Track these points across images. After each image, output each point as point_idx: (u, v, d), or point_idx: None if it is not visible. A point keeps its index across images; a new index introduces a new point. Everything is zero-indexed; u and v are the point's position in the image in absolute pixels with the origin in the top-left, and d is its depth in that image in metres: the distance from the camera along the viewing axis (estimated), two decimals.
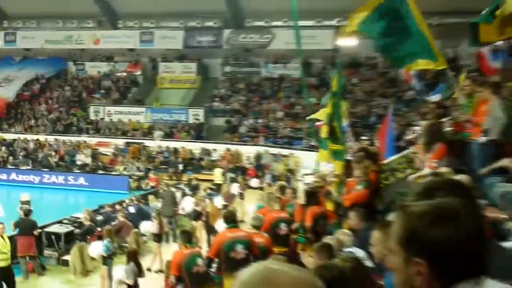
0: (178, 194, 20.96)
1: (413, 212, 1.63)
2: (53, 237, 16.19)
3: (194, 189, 23.88)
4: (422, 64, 8.42)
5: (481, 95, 7.84)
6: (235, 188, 22.46)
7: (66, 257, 15.58)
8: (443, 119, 10.37)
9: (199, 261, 8.70)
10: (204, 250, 12.38)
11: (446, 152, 7.29)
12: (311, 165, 19.24)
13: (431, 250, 1.55)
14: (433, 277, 1.56)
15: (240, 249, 8.11)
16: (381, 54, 8.69)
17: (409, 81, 14.78)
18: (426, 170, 7.10)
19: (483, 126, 7.30)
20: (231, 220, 8.63)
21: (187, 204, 19.98)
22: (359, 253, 5.08)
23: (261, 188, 25.33)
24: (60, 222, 17.74)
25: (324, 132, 11.77)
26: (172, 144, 33.13)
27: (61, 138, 34.78)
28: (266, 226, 9.33)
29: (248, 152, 30.97)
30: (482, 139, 7.22)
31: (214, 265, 8.29)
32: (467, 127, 8.26)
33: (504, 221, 4.66)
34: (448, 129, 9.33)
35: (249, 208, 17.83)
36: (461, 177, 5.29)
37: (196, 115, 35.47)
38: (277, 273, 1.30)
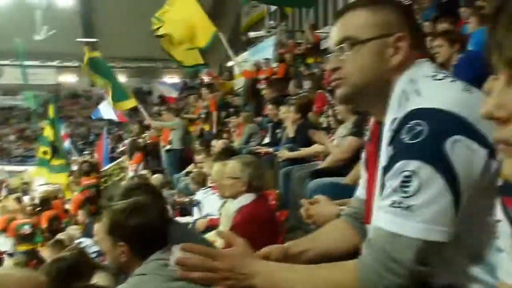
0: None
1: (115, 209, 1.65)
2: None
3: None
4: (124, 105, 8.38)
5: (167, 118, 8.23)
6: None
7: None
8: (143, 135, 10.60)
9: None
10: None
11: (144, 159, 7.49)
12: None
13: (130, 235, 1.59)
14: (134, 253, 1.60)
15: None
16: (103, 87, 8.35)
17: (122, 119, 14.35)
18: (131, 173, 7.18)
19: (169, 138, 7.70)
20: None
21: None
22: (87, 241, 4.86)
23: None
24: None
25: (40, 152, 10.60)
26: None
27: None
28: (11, 230, 8.22)
29: None
30: (168, 147, 7.61)
31: None
32: (160, 139, 8.58)
33: (187, 203, 4.98)
34: (148, 141, 9.59)
35: None
36: (157, 176, 5.53)
37: None
38: (5, 277, 1.20)
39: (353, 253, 1.00)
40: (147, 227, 1.59)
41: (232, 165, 2.66)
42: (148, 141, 9.59)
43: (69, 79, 26.67)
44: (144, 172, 6.51)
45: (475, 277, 0.94)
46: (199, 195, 4.47)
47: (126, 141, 11.75)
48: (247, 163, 2.63)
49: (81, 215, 6.73)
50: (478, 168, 0.88)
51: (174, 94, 15.31)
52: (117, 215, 1.62)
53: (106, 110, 12.83)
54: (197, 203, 4.38)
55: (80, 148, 20.72)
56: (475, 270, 0.94)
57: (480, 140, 0.87)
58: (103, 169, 10.31)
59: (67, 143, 13.07)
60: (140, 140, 9.97)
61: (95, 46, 23.44)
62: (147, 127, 11.27)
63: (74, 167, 11.15)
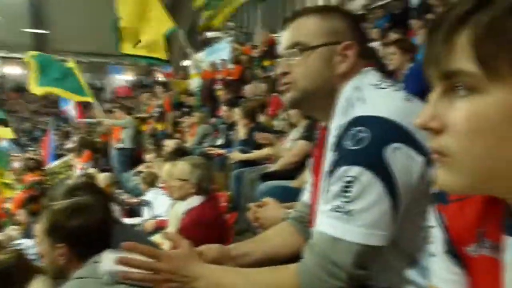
0: None
1: (55, 208, 1.59)
2: None
3: None
4: (78, 98, 8.08)
5: (119, 116, 8.03)
6: None
7: None
8: (93, 133, 10.30)
9: None
10: None
11: (92, 157, 7.27)
12: None
13: (70, 236, 1.53)
14: (74, 255, 1.54)
15: None
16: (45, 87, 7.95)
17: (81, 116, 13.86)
18: (79, 171, 6.95)
19: (120, 137, 7.52)
20: None
21: None
22: (28, 243, 4.66)
23: None
24: None
25: None
26: None
27: None
28: None
29: None
30: (119, 146, 7.43)
31: None
32: (110, 137, 8.36)
33: (136, 204, 4.87)
34: (96, 139, 9.32)
35: None
36: (105, 175, 5.38)
37: None
38: None
39: (296, 257, 1.01)
40: (89, 228, 1.53)
41: (181, 166, 2.62)
42: (98, 139, 9.33)
43: (14, 71, 25.49)
44: (92, 170, 6.32)
45: (410, 280, 0.98)
46: (149, 196, 4.39)
47: (74, 138, 11.38)
48: (196, 164, 2.61)
49: (21, 215, 6.43)
50: (415, 175, 0.92)
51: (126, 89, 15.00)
52: (57, 215, 1.55)
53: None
54: (147, 204, 4.30)
55: (24, 144, 19.83)
56: (411, 273, 0.98)
57: (418, 148, 0.91)
58: (48, 167, 9.93)
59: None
60: (89, 138, 9.68)
61: (44, 38, 22.58)
62: (97, 124, 10.98)
63: (16, 164, 10.66)
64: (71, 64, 7.67)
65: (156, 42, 6.68)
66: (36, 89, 7.25)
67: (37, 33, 23.10)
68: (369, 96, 1.00)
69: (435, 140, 0.54)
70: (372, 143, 0.90)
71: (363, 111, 0.96)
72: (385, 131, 0.91)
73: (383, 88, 1.03)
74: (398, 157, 0.90)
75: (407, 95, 1.02)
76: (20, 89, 30.75)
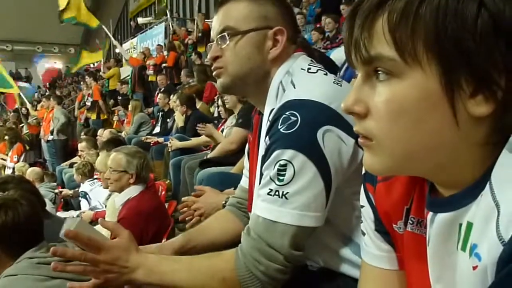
0: None
1: None
2: None
3: None
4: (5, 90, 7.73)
5: (47, 105, 7.66)
6: None
7: None
8: (21, 124, 9.74)
9: None
10: None
11: (24, 149, 6.88)
12: None
13: None
14: (4, 253, 1.45)
15: None
16: None
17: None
18: (10, 164, 6.56)
19: (51, 128, 7.17)
20: None
21: None
22: None
23: None
24: None
25: None
26: None
27: None
28: None
29: None
30: (50, 137, 7.09)
31: None
32: (40, 129, 7.97)
33: (72, 196, 4.67)
34: (26, 131, 8.85)
35: None
36: (33, 169, 5.11)
37: None
38: None
39: (238, 242, 1.01)
40: (17, 224, 1.45)
41: (117, 157, 2.53)
42: (27, 131, 8.83)
43: None
44: (21, 164, 5.96)
45: (345, 258, 1.01)
46: (85, 187, 4.21)
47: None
48: (132, 154, 2.53)
49: None
50: (346, 157, 0.94)
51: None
52: None
53: None
54: (84, 195, 4.13)
55: None
56: (345, 251, 1.01)
57: (348, 131, 0.93)
58: None
59: None
60: (18, 130, 9.14)
61: None
62: (26, 116, 10.36)
63: None
64: None
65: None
66: None
67: None
68: (300, 80, 1.01)
69: (360, 124, 0.56)
70: (304, 126, 0.91)
71: (295, 95, 0.97)
72: (316, 114, 0.92)
73: (313, 73, 1.04)
74: (329, 140, 0.91)
75: (336, 78, 1.04)
76: None
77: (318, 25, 6.73)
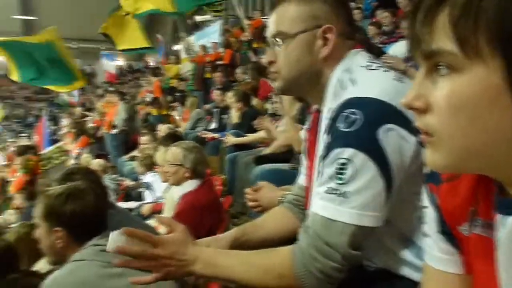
0: None
1: (51, 194, 1.59)
2: None
3: None
4: (65, 89, 7.88)
5: (111, 100, 7.98)
6: None
7: None
8: (86, 118, 10.23)
9: None
10: None
11: (88, 142, 7.22)
12: None
13: (67, 221, 1.53)
14: (71, 239, 1.55)
15: None
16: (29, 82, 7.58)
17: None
18: (74, 157, 6.91)
19: (114, 123, 7.46)
20: None
21: None
22: None
23: None
24: None
25: None
26: None
27: None
28: None
29: None
30: (113, 131, 7.38)
31: None
32: (103, 123, 8.31)
33: (134, 187, 4.86)
34: (90, 125, 9.26)
35: None
36: (98, 160, 5.35)
37: None
38: None
39: (294, 240, 1.01)
40: (85, 212, 1.54)
41: (175, 151, 2.60)
42: (92, 124, 9.26)
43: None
44: (86, 156, 6.28)
45: (405, 260, 0.99)
46: (147, 179, 4.37)
47: (64, 123, 11.31)
48: (189, 149, 2.59)
49: (18, 199, 6.41)
50: (408, 156, 0.92)
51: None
52: (53, 200, 1.55)
53: None
54: (148, 186, 4.27)
55: (17, 130, 19.68)
56: (406, 253, 0.99)
57: (410, 129, 0.90)
58: (43, 152, 9.87)
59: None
60: (83, 123, 9.62)
61: (33, 25, 22.21)
62: (90, 110, 10.88)
63: (11, 149, 10.59)
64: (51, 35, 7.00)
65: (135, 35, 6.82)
66: (18, 77, 7.01)
67: (27, 19, 22.70)
68: (360, 77, 1.00)
69: (420, 119, 0.55)
70: (365, 124, 0.90)
71: (355, 92, 0.96)
72: (377, 112, 0.91)
73: (373, 69, 1.02)
74: (391, 138, 0.90)
75: (397, 75, 1.02)
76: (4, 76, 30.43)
77: (374, 20, 6.56)
